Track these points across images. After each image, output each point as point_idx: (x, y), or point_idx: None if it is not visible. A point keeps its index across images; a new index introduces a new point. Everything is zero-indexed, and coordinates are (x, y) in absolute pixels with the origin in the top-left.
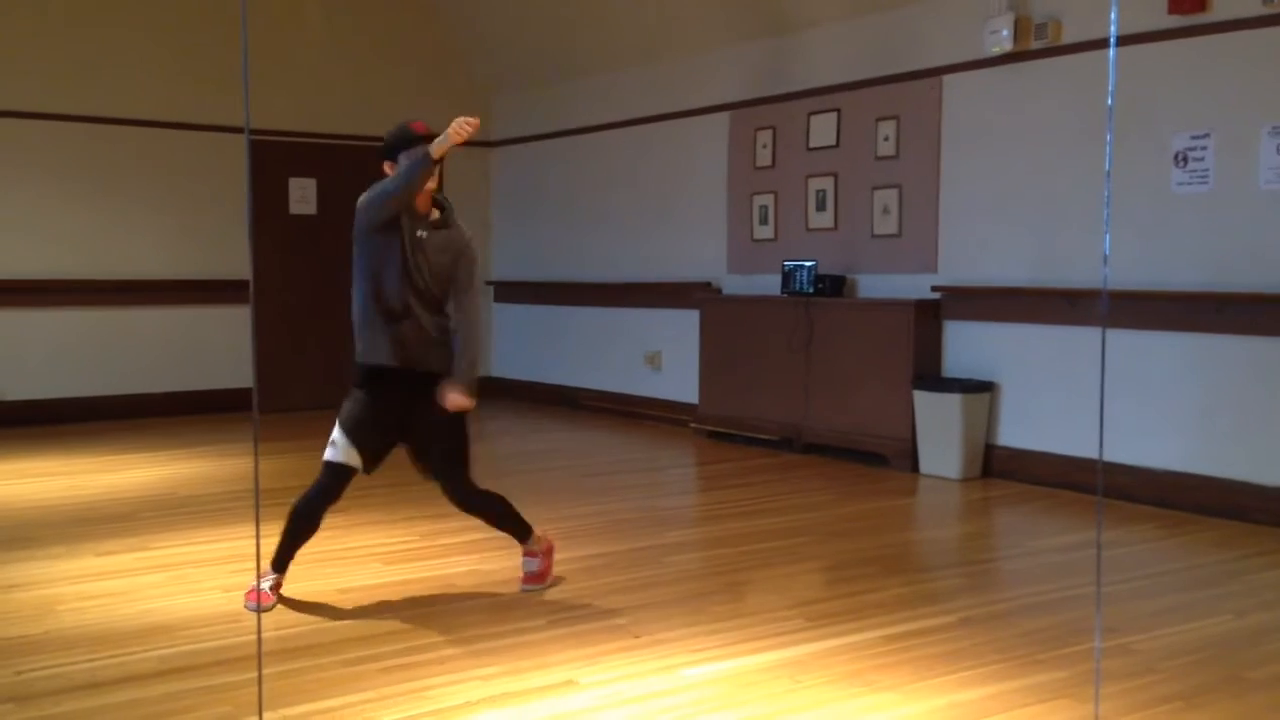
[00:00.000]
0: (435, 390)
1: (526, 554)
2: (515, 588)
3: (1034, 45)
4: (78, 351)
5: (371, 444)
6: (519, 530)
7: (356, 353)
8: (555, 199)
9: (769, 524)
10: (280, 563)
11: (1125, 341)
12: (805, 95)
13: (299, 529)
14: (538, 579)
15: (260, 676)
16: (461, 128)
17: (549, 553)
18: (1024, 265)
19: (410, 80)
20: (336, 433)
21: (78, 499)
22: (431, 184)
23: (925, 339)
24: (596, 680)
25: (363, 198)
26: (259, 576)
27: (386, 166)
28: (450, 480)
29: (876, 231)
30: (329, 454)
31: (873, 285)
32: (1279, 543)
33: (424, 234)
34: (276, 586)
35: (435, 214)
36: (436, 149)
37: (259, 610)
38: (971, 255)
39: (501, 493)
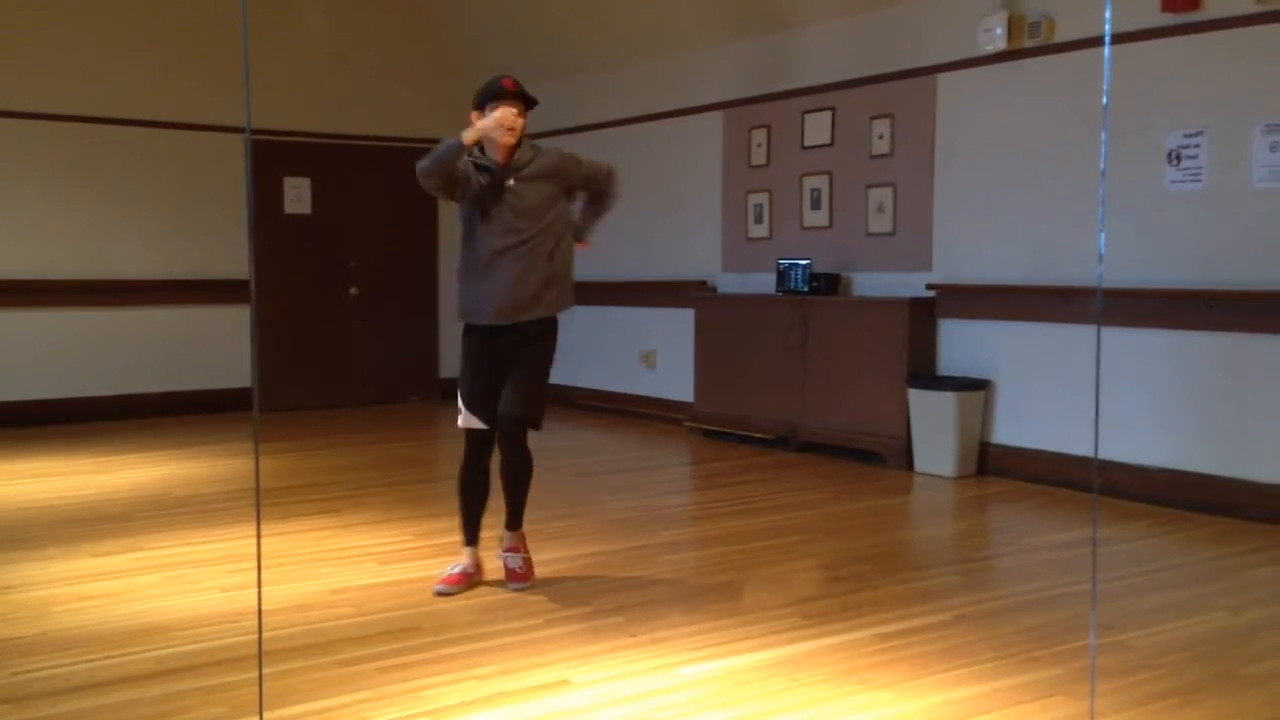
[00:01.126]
0: (528, 339)
1: (509, 549)
2: (508, 588)
3: (1028, 44)
4: (73, 351)
5: (487, 405)
6: (516, 512)
7: (456, 312)
8: None
9: (764, 523)
10: (470, 537)
11: (1119, 339)
12: (800, 94)
13: (467, 497)
14: (524, 577)
15: (260, 676)
16: (503, 135)
17: (524, 545)
18: (1018, 263)
19: (403, 79)
20: (460, 402)
21: (73, 499)
22: (510, 137)
23: (920, 337)
24: (592, 679)
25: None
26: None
27: (473, 115)
28: (511, 415)
29: (871, 230)
30: (460, 421)
31: (867, 283)
32: (1273, 539)
33: (513, 182)
34: (474, 564)
35: (520, 158)
36: (468, 136)
37: (447, 593)
38: (966, 253)
39: (494, 494)
